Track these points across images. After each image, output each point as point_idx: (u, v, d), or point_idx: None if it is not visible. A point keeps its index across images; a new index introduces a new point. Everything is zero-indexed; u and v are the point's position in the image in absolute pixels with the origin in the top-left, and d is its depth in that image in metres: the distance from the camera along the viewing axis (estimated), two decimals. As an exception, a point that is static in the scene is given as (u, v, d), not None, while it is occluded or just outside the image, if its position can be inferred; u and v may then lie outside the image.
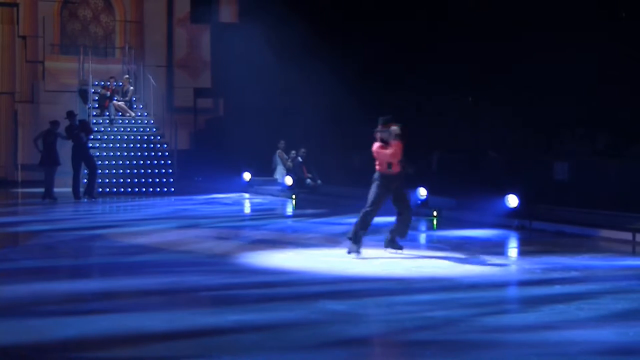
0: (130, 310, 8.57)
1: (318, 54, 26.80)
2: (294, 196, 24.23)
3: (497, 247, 14.32)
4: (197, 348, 7.00)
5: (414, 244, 13.62)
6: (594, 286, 9.95)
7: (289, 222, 19.03)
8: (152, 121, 28.99)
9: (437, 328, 7.79)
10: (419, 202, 19.31)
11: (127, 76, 29.39)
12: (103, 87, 28.57)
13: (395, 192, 12.63)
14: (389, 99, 25.98)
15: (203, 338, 7.35)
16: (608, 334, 7.51)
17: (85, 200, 23.10)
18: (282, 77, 27.86)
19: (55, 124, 23.13)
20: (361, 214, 12.56)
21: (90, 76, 28.64)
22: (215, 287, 9.94)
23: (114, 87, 28.59)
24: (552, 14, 23.61)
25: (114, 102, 28.28)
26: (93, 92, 28.53)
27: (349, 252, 12.34)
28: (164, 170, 26.73)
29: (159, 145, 27.74)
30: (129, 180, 26.11)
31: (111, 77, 28.81)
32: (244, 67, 29.94)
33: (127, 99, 28.67)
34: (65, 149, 23.80)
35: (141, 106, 29.52)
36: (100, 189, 25.01)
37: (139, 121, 28.87)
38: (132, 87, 29.06)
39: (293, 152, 26.73)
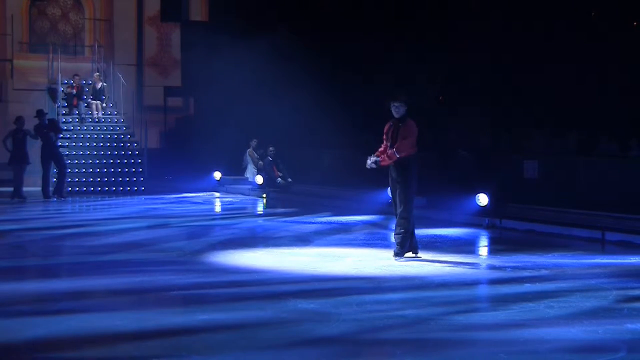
0: (99, 309, 8.52)
1: (289, 52, 26.81)
2: (264, 195, 24.21)
3: (467, 246, 14.37)
4: (167, 348, 6.96)
5: (385, 243, 13.62)
6: (564, 284, 9.98)
7: (260, 221, 19.00)
8: (122, 120, 28.90)
9: (407, 327, 7.79)
10: (389, 200, 19.33)
11: (97, 73, 29.28)
12: (68, 85, 28.45)
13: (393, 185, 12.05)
14: (359, 97, 26.04)
15: (173, 338, 7.31)
16: (577, 332, 7.54)
17: (55, 199, 22.99)
18: (252, 76, 27.82)
19: (20, 120, 22.97)
20: None
21: (60, 75, 28.50)
22: (185, 287, 9.89)
23: (79, 85, 28.46)
24: (524, 14, 23.75)
25: (94, 102, 28.20)
26: (62, 91, 28.41)
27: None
28: (134, 169, 26.65)
29: (128, 144, 27.65)
30: (98, 179, 26.03)
31: (75, 75, 28.68)
32: (214, 65, 29.88)
33: (103, 98, 28.57)
34: (34, 147, 23.67)
35: (111, 105, 29.41)
36: (70, 188, 24.89)
37: (109, 120, 28.76)
38: (104, 84, 28.94)
39: (261, 150, 26.72)
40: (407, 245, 11.86)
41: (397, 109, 11.86)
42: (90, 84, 28.84)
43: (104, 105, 28.85)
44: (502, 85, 23.67)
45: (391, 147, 11.81)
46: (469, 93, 24.31)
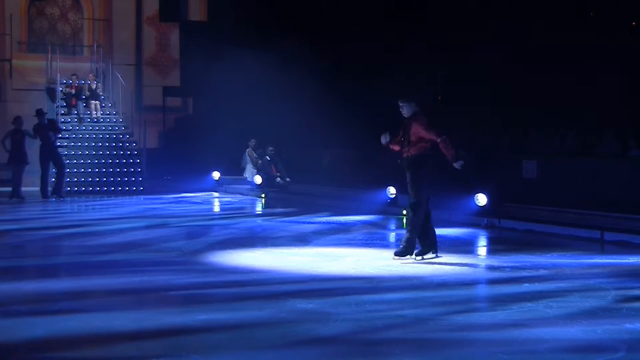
0: (98, 309, 8.51)
1: (288, 51, 26.78)
2: (263, 195, 24.20)
3: (466, 246, 14.36)
4: (166, 347, 6.96)
5: (383, 243, 13.62)
6: (563, 284, 9.98)
7: (259, 221, 18.99)
8: (121, 120, 28.89)
9: (406, 326, 7.79)
10: (388, 200, 19.40)
11: (91, 74, 29.31)
12: (67, 85, 28.47)
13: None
14: (359, 97, 26.03)
15: (172, 337, 7.31)
16: (576, 332, 7.54)
17: (54, 199, 22.97)
18: (251, 75, 27.81)
19: (18, 120, 22.96)
20: None
21: (58, 74, 28.50)
22: (184, 287, 9.89)
23: (77, 85, 28.48)
24: (524, 14, 23.73)
25: (92, 102, 28.23)
26: (61, 91, 28.42)
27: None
28: (132, 169, 26.64)
29: (127, 144, 27.64)
30: (97, 179, 26.03)
31: (73, 75, 28.72)
32: (213, 65, 29.87)
33: (97, 98, 28.61)
34: (33, 147, 23.66)
35: (110, 105, 29.41)
36: (69, 188, 24.88)
37: (108, 120, 28.77)
38: (98, 83, 28.95)
39: (260, 150, 26.71)
40: (410, 248, 11.76)
41: (402, 109, 11.90)
42: (83, 83, 28.82)
43: (103, 105, 28.88)
44: (502, 85, 23.65)
45: (407, 144, 11.79)
46: (469, 93, 24.29)
